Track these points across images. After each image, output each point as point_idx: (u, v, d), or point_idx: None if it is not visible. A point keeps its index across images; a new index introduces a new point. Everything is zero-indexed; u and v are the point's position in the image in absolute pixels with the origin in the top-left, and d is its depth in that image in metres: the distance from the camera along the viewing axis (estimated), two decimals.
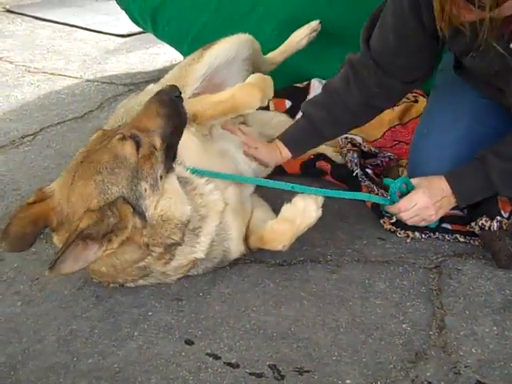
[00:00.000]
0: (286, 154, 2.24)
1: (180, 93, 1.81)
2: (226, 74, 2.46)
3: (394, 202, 2.05)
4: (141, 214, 1.70)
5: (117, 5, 3.99)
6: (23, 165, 2.79)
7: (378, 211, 2.27)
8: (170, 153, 1.80)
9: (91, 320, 1.83)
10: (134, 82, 3.84)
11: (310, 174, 2.57)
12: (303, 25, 2.90)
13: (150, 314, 1.85)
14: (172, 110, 1.79)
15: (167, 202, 1.77)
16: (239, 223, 2.06)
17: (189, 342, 1.74)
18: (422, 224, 2.07)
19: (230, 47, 2.43)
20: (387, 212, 2.15)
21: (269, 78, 2.21)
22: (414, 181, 2.05)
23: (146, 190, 1.71)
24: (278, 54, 2.82)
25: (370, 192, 2.36)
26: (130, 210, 1.67)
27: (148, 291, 1.92)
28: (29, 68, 4.08)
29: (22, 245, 1.71)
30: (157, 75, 3.92)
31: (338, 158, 2.59)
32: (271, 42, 2.85)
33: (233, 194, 2.08)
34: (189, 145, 2.05)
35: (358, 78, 2.15)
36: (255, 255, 2.08)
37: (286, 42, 2.83)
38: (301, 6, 2.96)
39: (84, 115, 3.35)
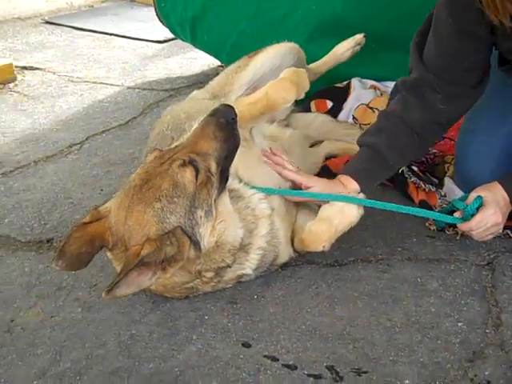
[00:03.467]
0: (354, 186, 2.02)
1: (236, 115, 1.79)
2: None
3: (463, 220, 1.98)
4: (196, 244, 1.71)
5: (151, 11, 4.08)
6: (73, 173, 2.86)
7: (426, 208, 2.27)
8: (224, 176, 1.79)
9: (149, 325, 1.88)
10: (174, 88, 3.90)
11: None
12: (341, 28, 2.91)
13: (207, 317, 1.89)
14: (228, 133, 1.77)
15: (221, 226, 1.77)
16: (286, 226, 2.07)
17: (246, 345, 1.77)
18: (488, 238, 2.00)
19: (276, 55, 2.44)
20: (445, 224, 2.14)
21: (302, 71, 2.20)
22: (478, 193, 1.95)
23: (201, 218, 1.71)
24: (320, 65, 2.81)
25: (417, 188, 2.37)
26: (188, 241, 1.68)
27: (203, 295, 1.96)
28: (71, 78, 4.17)
29: (78, 264, 1.72)
30: (196, 79, 4.00)
31: None
32: (309, 46, 2.84)
33: (277, 199, 2.06)
34: None
35: (419, 98, 2.04)
36: (306, 257, 2.10)
37: (330, 54, 2.82)
38: (340, 9, 2.97)
39: (128, 122, 3.41)
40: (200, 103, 2.42)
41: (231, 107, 1.80)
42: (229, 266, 1.85)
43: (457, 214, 1.99)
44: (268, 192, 2.00)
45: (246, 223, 1.89)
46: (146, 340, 1.82)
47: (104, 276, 2.08)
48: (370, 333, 1.77)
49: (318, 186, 2.01)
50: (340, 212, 1.94)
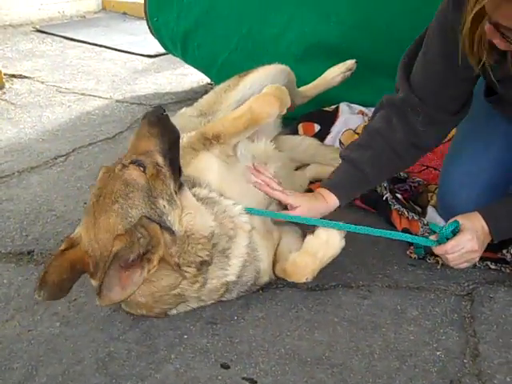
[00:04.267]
0: (333, 201, 2.08)
1: (164, 110, 1.87)
2: None
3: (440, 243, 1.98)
4: (168, 229, 1.74)
5: (143, 24, 4.09)
6: (57, 185, 2.85)
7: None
8: (175, 167, 1.83)
9: (128, 342, 1.87)
10: (163, 103, 3.89)
11: None
12: (332, 51, 2.95)
13: (186, 337, 1.88)
14: (162, 128, 1.84)
15: (189, 216, 1.81)
16: (268, 245, 2.08)
17: (225, 366, 1.76)
18: (464, 266, 1.99)
19: (266, 76, 2.46)
20: (421, 250, 2.17)
21: (283, 88, 2.24)
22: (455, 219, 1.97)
23: (165, 207, 1.75)
24: (310, 88, 2.84)
25: (400, 216, 2.39)
26: (157, 226, 1.70)
27: (183, 314, 1.95)
28: (60, 88, 4.17)
29: (59, 292, 1.72)
30: (184, 96, 4.01)
31: None
32: (299, 67, 2.86)
33: (257, 218, 2.07)
34: (211, 167, 2.08)
35: (402, 118, 2.08)
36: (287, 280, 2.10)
37: (320, 78, 2.85)
38: (332, 33, 3.01)
39: (115, 136, 3.41)
40: (188, 121, 2.43)
41: (159, 106, 1.88)
42: (208, 264, 1.86)
43: (432, 237, 2.01)
44: (251, 212, 2.02)
45: (224, 228, 1.91)
46: (123, 358, 1.81)
47: (84, 291, 2.06)
48: (349, 358, 1.77)
49: (304, 206, 2.05)
50: (325, 244, 1.97)
